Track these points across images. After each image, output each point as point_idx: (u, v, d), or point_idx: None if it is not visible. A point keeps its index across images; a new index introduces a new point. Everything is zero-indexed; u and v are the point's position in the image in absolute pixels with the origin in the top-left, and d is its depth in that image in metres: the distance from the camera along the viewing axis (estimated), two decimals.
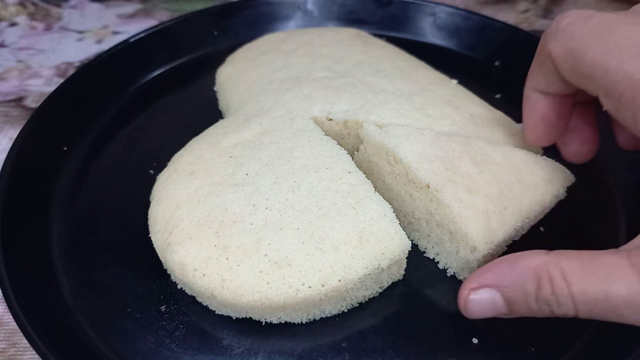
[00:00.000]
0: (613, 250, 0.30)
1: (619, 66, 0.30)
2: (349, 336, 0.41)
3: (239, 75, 0.55)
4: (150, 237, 0.43)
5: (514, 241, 0.44)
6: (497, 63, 0.65)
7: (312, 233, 0.39)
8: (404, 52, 0.58)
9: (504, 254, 0.43)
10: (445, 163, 0.42)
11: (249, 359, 0.40)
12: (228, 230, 0.40)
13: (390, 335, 0.41)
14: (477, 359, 0.40)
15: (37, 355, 0.37)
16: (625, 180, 0.52)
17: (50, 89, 0.58)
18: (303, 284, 0.38)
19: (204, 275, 0.39)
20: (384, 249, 0.40)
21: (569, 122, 0.41)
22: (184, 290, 0.43)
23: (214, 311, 0.42)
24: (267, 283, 0.38)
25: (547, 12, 0.80)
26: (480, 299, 0.33)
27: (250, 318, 0.41)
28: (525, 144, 0.45)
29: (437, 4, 0.68)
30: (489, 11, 0.79)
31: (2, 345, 0.43)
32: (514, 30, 0.65)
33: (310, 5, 0.70)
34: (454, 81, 0.52)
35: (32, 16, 0.78)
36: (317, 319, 0.42)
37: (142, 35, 0.63)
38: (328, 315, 0.42)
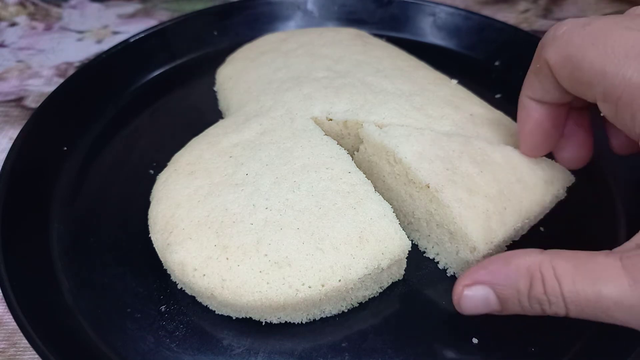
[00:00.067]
0: (607, 251, 0.31)
1: (616, 70, 0.30)
2: (349, 336, 0.41)
3: (239, 75, 0.55)
4: (150, 237, 0.43)
5: (513, 241, 0.44)
6: (497, 63, 0.65)
7: (312, 233, 0.40)
8: (404, 52, 0.58)
9: None
10: (445, 163, 0.42)
11: (249, 359, 0.40)
12: (228, 230, 0.40)
13: (390, 335, 0.41)
14: (477, 359, 0.40)
15: (37, 355, 0.37)
16: (625, 180, 0.52)
17: (50, 89, 0.58)
18: (303, 284, 0.38)
19: (204, 275, 0.39)
20: (384, 249, 0.40)
21: (563, 131, 0.41)
22: (184, 290, 0.43)
23: (214, 311, 0.42)
24: (267, 283, 0.38)
25: (547, 12, 0.80)
26: (473, 296, 0.34)
27: (250, 318, 0.41)
28: None
29: (437, 4, 0.68)
30: (489, 11, 0.79)
31: (2, 345, 0.43)
32: (514, 30, 0.65)
33: (310, 5, 0.70)
34: (454, 81, 0.52)
35: (32, 16, 0.78)
36: (317, 319, 0.42)
37: (142, 35, 0.63)
38: (328, 315, 0.42)
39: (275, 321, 0.41)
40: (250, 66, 0.56)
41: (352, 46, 0.57)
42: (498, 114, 0.49)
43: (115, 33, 0.76)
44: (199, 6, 0.72)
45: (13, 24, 0.77)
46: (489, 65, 0.65)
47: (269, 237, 0.39)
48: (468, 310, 0.35)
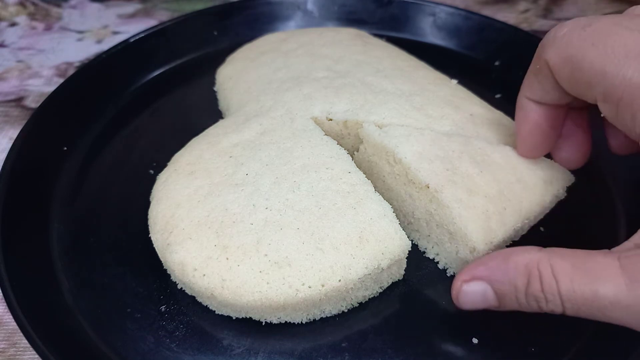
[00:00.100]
0: (605, 251, 0.31)
1: (616, 70, 0.31)
2: (349, 336, 0.41)
3: (239, 75, 0.55)
4: (150, 237, 0.43)
5: (513, 242, 0.44)
6: (497, 63, 0.65)
7: (312, 233, 0.40)
8: (404, 52, 0.58)
9: None
10: (445, 163, 0.42)
11: (249, 359, 0.40)
12: (228, 230, 0.40)
13: (390, 335, 0.41)
14: (477, 359, 0.40)
15: (37, 355, 0.37)
16: (624, 180, 0.52)
17: (50, 89, 0.58)
18: (303, 284, 0.38)
19: (204, 275, 0.39)
20: (384, 249, 0.40)
21: (560, 133, 0.41)
22: (184, 290, 0.43)
23: (214, 311, 0.42)
24: (267, 283, 0.38)
25: (547, 12, 0.80)
26: (471, 291, 0.34)
27: (250, 318, 0.41)
28: None
29: (437, 4, 0.68)
30: (489, 11, 0.79)
31: (2, 345, 0.43)
32: (514, 30, 0.65)
33: (310, 5, 0.70)
34: (454, 81, 0.52)
35: (32, 16, 0.78)
36: (317, 319, 0.42)
37: (142, 35, 0.63)
38: (328, 315, 0.42)
39: (275, 321, 0.41)
40: (250, 66, 0.56)
41: (352, 46, 0.57)
42: (498, 114, 0.49)
43: (115, 33, 0.76)
44: (199, 6, 0.72)
45: (13, 24, 0.77)
46: (489, 65, 0.65)
47: (269, 237, 0.39)
48: (466, 305, 0.35)
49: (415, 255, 0.46)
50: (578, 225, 0.48)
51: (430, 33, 0.69)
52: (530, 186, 0.42)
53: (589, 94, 0.33)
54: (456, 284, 0.35)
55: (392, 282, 0.44)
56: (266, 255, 0.39)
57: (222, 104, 0.57)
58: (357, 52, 0.56)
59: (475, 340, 0.40)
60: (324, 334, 0.41)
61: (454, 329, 0.41)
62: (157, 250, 0.42)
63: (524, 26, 0.77)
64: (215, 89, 0.58)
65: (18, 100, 0.65)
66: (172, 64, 0.65)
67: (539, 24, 0.77)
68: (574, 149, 0.42)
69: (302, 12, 0.70)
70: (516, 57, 0.62)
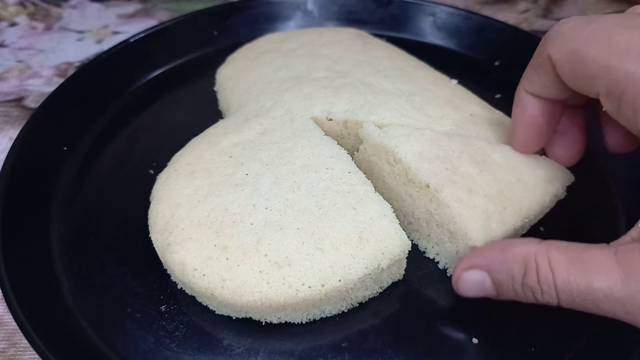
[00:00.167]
0: (603, 244, 0.32)
1: (619, 65, 0.31)
2: (349, 336, 0.41)
3: (239, 75, 0.55)
4: (150, 237, 0.43)
5: None
6: (497, 63, 0.65)
7: (312, 233, 0.40)
8: (404, 52, 0.58)
9: None
10: (445, 163, 0.42)
11: (249, 359, 0.40)
12: (228, 230, 0.40)
13: (390, 335, 0.41)
14: (477, 359, 0.40)
15: (37, 355, 0.37)
16: (624, 180, 0.52)
17: (50, 89, 0.58)
18: (303, 284, 0.38)
19: (204, 275, 0.39)
20: (384, 249, 0.40)
21: (555, 130, 0.41)
22: (184, 290, 0.43)
23: (214, 311, 0.42)
24: (267, 283, 0.38)
25: (547, 12, 0.80)
26: (470, 279, 0.36)
27: (250, 318, 0.41)
28: None
29: (437, 4, 0.68)
30: (489, 11, 0.79)
31: (2, 345, 0.43)
32: (514, 30, 0.65)
33: (310, 5, 0.70)
34: (454, 81, 0.52)
35: (32, 16, 0.78)
36: (317, 319, 0.42)
37: (142, 35, 0.63)
38: (328, 315, 0.42)
39: (275, 321, 0.41)
40: (250, 66, 0.56)
41: (352, 46, 0.57)
42: (498, 114, 0.49)
43: (115, 33, 0.76)
44: (199, 6, 0.72)
45: (13, 24, 0.77)
46: (489, 65, 0.65)
47: (269, 237, 0.39)
48: (465, 292, 0.37)
49: (415, 255, 0.46)
50: (578, 225, 0.48)
51: (430, 33, 0.69)
52: (530, 186, 0.42)
53: (590, 88, 0.34)
54: (456, 272, 0.37)
55: (392, 282, 0.44)
56: (266, 255, 0.39)
57: (222, 104, 0.57)
58: (357, 52, 0.56)
59: (475, 340, 0.40)
60: (324, 334, 0.41)
61: (454, 329, 0.41)
62: (157, 250, 0.42)
63: (524, 26, 0.77)
64: (215, 89, 0.58)
65: (18, 100, 0.65)
66: (172, 64, 0.65)
67: (539, 24, 0.78)
68: (568, 146, 0.42)
69: (302, 12, 0.70)
70: (516, 57, 0.62)
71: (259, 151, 0.45)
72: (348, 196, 0.42)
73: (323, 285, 0.38)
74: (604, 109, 0.34)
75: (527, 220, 0.42)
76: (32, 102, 0.65)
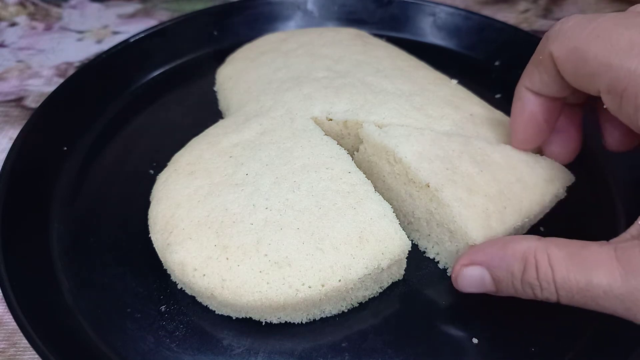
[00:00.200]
0: (602, 242, 0.32)
1: (621, 63, 0.31)
2: (349, 336, 0.41)
3: (239, 75, 0.55)
4: (150, 237, 0.43)
5: None
6: (497, 63, 0.65)
7: (312, 233, 0.40)
8: (404, 52, 0.58)
9: None
10: (445, 163, 0.42)
11: (249, 359, 0.40)
12: (228, 230, 0.40)
13: (390, 335, 0.41)
14: (477, 359, 0.40)
15: (37, 355, 0.37)
16: (624, 180, 0.52)
17: (50, 89, 0.58)
18: (303, 284, 0.38)
19: (204, 275, 0.39)
20: (384, 249, 0.40)
21: (553, 127, 0.42)
22: (184, 290, 0.43)
23: (214, 311, 0.42)
24: (267, 283, 0.38)
25: (547, 12, 0.80)
26: (470, 275, 0.36)
27: (250, 318, 0.41)
28: None
29: (437, 4, 0.68)
30: (489, 11, 0.79)
31: (2, 345, 0.43)
32: (514, 30, 0.65)
33: (310, 5, 0.70)
34: (454, 81, 0.52)
35: (32, 16, 0.78)
36: (317, 319, 0.42)
37: (142, 35, 0.63)
38: (328, 315, 0.42)
39: (275, 321, 0.41)
40: (250, 66, 0.56)
41: (352, 46, 0.57)
42: (498, 114, 0.49)
43: (115, 33, 0.76)
44: (199, 6, 0.72)
45: (13, 24, 0.77)
46: (489, 65, 0.65)
47: (269, 237, 0.39)
48: (464, 288, 0.37)
49: (415, 255, 0.46)
50: (578, 225, 0.48)
51: (430, 33, 0.69)
52: (530, 185, 0.42)
53: (591, 86, 0.34)
54: (456, 268, 0.37)
55: (392, 282, 0.44)
56: (266, 255, 0.39)
57: (222, 104, 0.57)
58: (357, 52, 0.56)
59: (475, 340, 0.40)
60: (324, 334, 0.41)
61: (454, 329, 0.41)
62: (157, 250, 0.42)
63: (524, 26, 0.77)
64: (215, 89, 0.58)
65: (18, 100, 0.65)
66: (172, 64, 0.65)
67: (539, 24, 0.78)
68: (565, 145, 0.43)
69: (302, 12, 0.70)
70: (516, 57, 0.62)
71: (259, 151, 0.45)
72: (348, 196, 0.42)
73: (323, 285, 0.38)
74: (604, 107, 0.34)
75: (527, 220, 0.42)
76: (32, 102, 0.65)
